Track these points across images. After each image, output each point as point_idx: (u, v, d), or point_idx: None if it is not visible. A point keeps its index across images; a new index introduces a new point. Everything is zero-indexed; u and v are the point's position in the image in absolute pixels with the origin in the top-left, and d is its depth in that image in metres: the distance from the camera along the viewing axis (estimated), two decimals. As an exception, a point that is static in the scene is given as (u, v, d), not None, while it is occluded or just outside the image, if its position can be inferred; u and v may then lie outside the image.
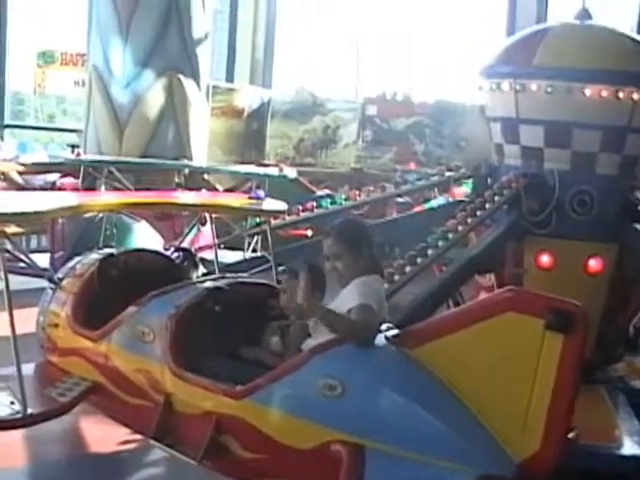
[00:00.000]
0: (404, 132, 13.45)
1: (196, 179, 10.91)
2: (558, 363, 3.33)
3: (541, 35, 6.53)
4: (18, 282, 6.60)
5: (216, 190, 11.19)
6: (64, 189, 7.69)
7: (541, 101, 6.32)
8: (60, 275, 4.95)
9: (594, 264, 6.40)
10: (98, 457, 5.20)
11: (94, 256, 5.04)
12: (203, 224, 8.17)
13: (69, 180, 8.46)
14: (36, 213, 4.28)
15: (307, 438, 3.66)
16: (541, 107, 6.36)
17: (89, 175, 9.26)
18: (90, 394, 4.52)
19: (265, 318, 4.37)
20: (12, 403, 4.24)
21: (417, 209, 8.50)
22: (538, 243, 6.46)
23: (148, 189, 8.96)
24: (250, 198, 5.47)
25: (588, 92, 6.17)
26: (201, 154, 11.56)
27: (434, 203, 8.24)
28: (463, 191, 8.52)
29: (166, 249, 7.46)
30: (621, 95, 6.17)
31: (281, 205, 5.61)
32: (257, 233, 7.02)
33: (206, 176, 11.34)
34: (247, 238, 7.85)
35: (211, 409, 3.96)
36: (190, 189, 9.40)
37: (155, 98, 11.05)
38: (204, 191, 6.92)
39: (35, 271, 5.19)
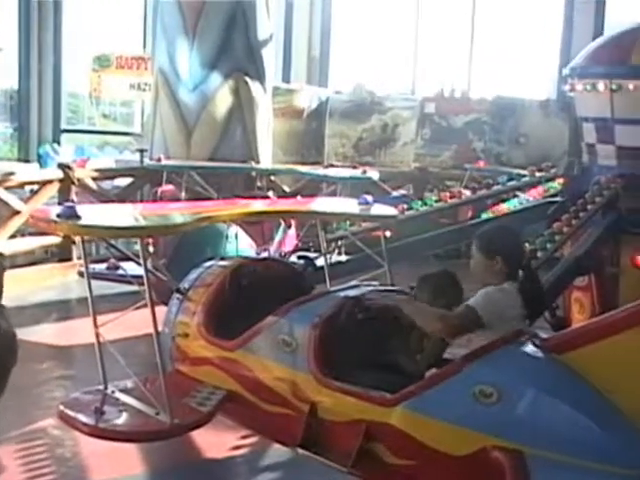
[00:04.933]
0: (463, 129, 13.40)
1: (264, 181, 10.99)
2: None
3: (636, 34, 6.55)
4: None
5: (284, 192, 11.29)
6: (164, 198, 7.78)
7: (638, 100, 6.35)
8: (186, 285, 5.01)
9: (690, 263, 6.43)
10: (209, 464, 5.27)
11: (220, 265, 5.11)
12: (289, 227, 8.28)
13: (169, 188, 8.55)
14: (172, 226, 4.36)
15: (463, 444, 3.70)
16: (638, 106, 6.39)
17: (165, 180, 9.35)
18: (226, 403, 4.56)
19: (402, 326, 4.41)
20: (157, 414, 4.30)
21: (495, 209, 8.45)
22: (635, 243, 6.49)
23: (227, 191, 9.10)
24: (359, 204, 5.50)
25: (685, 91, 6.20)
26: (267, 156, 11.62)
27: (514, 203, 8.21)
28: (540, 191, 8.50)
29: (258, 253, 7.60)
30: None
31: (391, 210, 5.66)
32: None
33: (273, 178, 11.43)
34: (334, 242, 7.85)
35: (361, 417, 3.99)
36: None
37: (222, 100, 11.09)
38: (299, 197, 7.00)
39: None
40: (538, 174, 7.54)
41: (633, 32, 6.67)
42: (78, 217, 4.11)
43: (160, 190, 8.32)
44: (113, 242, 5.16)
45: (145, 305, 4.27)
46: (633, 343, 3.52)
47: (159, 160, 9.84)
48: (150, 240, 6.19)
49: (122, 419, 4.34)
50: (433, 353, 4.22)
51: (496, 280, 4.03)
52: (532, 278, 4.17)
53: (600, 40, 7.08)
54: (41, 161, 14.88)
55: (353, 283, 4.87)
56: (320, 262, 5.58)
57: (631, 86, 6.34)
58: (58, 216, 4.17)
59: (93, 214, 4.37)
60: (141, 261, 4.24)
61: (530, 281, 4.12)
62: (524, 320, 4.11)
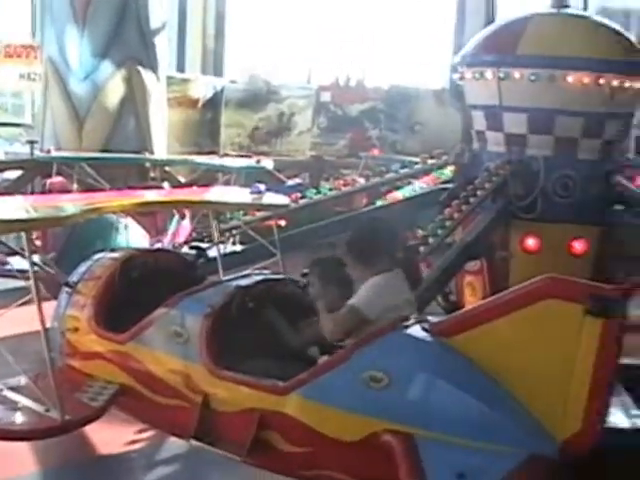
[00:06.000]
0: (358, 118, 13.54)
1: (159, 172, 10.83)
2: (597, 347, 3.44)
3: (523, 24, 6.70)
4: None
5: (179, 183, 11.15)
6: (53, 190, 7.58)
7: (524, 89, 6.51)
8: (75, 278, 4.91)
9: (578, 246, 6.62)
10: (105, 459, 5.18)
11: (109, 258, 5.02)
12: (183, 218, 8.19)
13: (58, 180, 8.31)
14: (62, 218, 4.25)
15: (354, 430, 3.73)
16: (524, 95, 6.55)
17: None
18: (119, 397, 4.49)
19: (294, 313, 4.42)
20: (47, 410, 4.20)
21: (389, 196, 8.54)
22: (524, 227, 6.65)
23: (120, 182, 8.94)
24: (252, 193, 5.48)
25: (570, 79, 6.38)
26: (162, 146, 11.48)
27: (408, 190, 8.30)
28: (433, 178, 8.62)
29: (151, 244, 7.50)
30: (602, 82, 6.39)
31: (283, 199, 5.66)
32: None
33: (167, 168, 11.27)
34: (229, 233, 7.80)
35: (254, 406, 3.99)
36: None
37: (115, 90, 10.94)
38: (195, 187, 6.92)
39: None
40: (430, 161, 7.65)
41: (520, 22, 6.80)
42: None
43: (49, 182, 8.12)
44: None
45: (32, 300, 4.15)
46: (516, 325, 3.59)
47: (49, 152, 9.61)
48: (37, 234, 6.02)
49: (11, 418, 4.24)
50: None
51: (380, 271, 4.08)
52: (408, 254, 4.24)
53: (488, 29, 7.20)
54: None
55: (244, 273, 4.85)
56: (213, 252, 5.53)
57: (517, 75, 6.47)
58: None
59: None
60: (26, 254, 4.13)
61: (408, 261, 4.19)
62: (413, 305, 4.16)
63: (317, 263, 4.38)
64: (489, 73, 6.60)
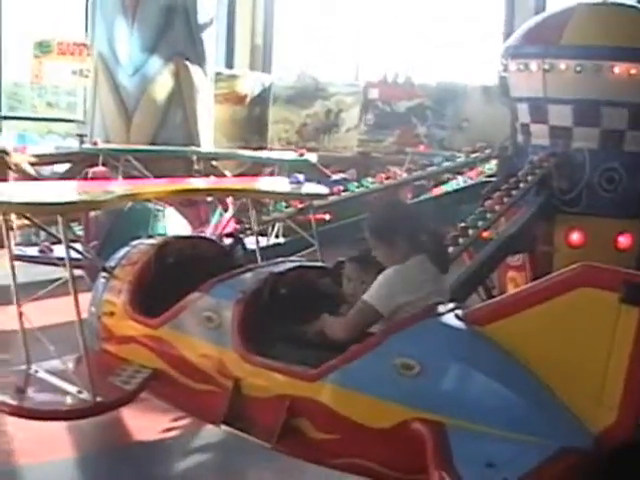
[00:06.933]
0: (406, 115, 13.46)
1: (205, 166, 10.89)
2: (634, 336, 3.37)
3: (568, 14, 6.61)
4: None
5: (224, 177, 11.20)
6: (95, 179, 7.66)
7: (570, 80, 6.42)
8: (112, 264, 4.94)
9: (624, 240, 6.53)
10: (141, 446, 5.17)
11: (147, 244, 5.04)
12: (226, 210, 8.22)
13: (100, 169, 8.43)
14: (98, 202, 4.28)
15: (384, 417, 3.69)
16: (570, 86, 6.46)
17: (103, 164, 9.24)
18: (151, 381, 4.51)
19: (327, 302, 4.40)
20: (79, 392, 4.24)
21: (435, 191, 8.50)
22: (568, 221, 6.57)
23: (167, 177, 8.98)
24: (290, 183, 5.47)
25: (617, 70, 6.26)
26: (208, 141, 11.54)
27: (453, 185, 8.26)
28: (478, 172, 8.57)
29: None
30: (649, 72, 6.27)
31: (322, 189, 5.64)
32: (298, 215, 6.99)
33: (214, 163, 11.33)
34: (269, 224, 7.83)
35: (284, 392, 3.96)
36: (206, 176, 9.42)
37: (163, 84, 11.02)
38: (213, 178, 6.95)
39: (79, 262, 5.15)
40: (473, 155, 7.58)
41: (566, 12, 6.72)
42: None
43: (91, 171, 8.21)
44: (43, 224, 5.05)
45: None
46: (550, 314, 3.52)
47: (95, 144, 9.72)
48: (80, 223, 6.08)
49: (43, 398, 4.29)
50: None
51: (404, 257, 4.00)
52: (435, 237, 4.15)
53: (533, 20, 7.12)
54: (-21, 149, 14.60)
55: (278, 260, 4.84)
56: (252, 243, 5.53)
57: (563, 66, 6.39)
58: None
59: (13, 190, 4.29)
60: (61, 237, 4.17)
61: (435, 242, 4.10)
62: (443, 292, 4.08)
63: (354, 257, 4.36)
64: (533, 65, 6.53)
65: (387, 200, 6.16)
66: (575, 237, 6.52)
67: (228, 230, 7.62)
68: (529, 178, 6.35)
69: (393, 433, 3.67)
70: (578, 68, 6.30)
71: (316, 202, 6.85)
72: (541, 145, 6.74)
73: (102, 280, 4.92)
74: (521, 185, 6.29)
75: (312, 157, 9.49)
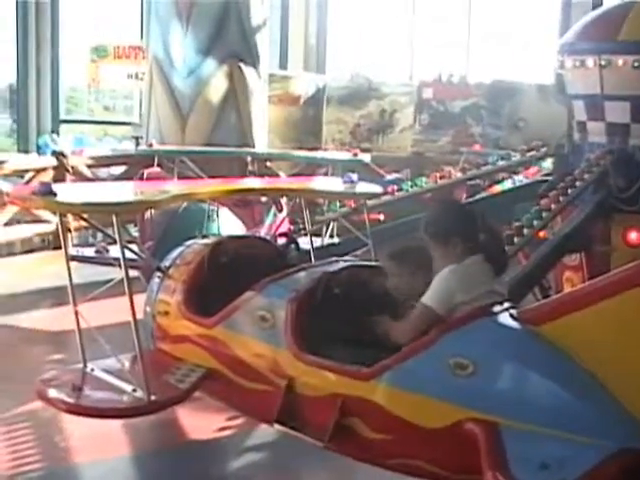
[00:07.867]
0: (461, 114, 13.35)
1: (259, 167, 10.95)
2: (693, 336, 3.31)
3: (626, 9, 6.49)
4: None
5: (278, 177, 11.24)
6: (152, 179, 7.76)
7: (627, 76, 6.30)
8: (167, 263, 4.98)
9: (683, 240, 6.37)
10: (195, 445, 5.22)
11: (201, 243, 5.08)
12: (280, 211, 8.24)
13: (155, 170, 8.54)
14: (151, 202, 4.31)
15: (438, 417, 3.66)
16: (627, 82, 6.34)
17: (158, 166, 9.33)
18: (205, 380, 4.54)
19: (380, 301, 4.38)
20: (134, 390, 4.29)
21: (491, 190, 8.41)
22: (626, 220, 6.44)
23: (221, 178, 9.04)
24: (344, 182, 5.46)
25: (676, 65, 6.14)
26: (262, 142, 11.59)
27: (509, 184, 8.16)
28: (535, 171, 8.46)
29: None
30: None
31: (376, 188, 5.62)
32: (351, 215, 6.96)
33: (268, 163, 11.38)
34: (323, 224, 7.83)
35: (337, 391, 3.96)
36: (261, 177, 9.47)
37: (217, 86, 11.09)
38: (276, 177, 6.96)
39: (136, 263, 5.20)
40: (528, 154, 7.49)
41: (622, 7, 6.61)
42: (54, 194, 4.12)
43: (146, 172, 8.30)
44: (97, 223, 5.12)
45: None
46: (607, 314, 3.47)
47: (151, 145, 9.83)
48: (136, 224, 6.15)
49: (99, 396, 4.34)
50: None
51: (459, 257, 3.97)
52: (493, 237, 4.11)
53: (589, 16, 7.01)
54: (40, 152, 14.85)
55: (331, 260, 4.83)
56: (306, 242, 5.54)
57: (620, 62, 6.28)
58: (34, 193, 4.20)
59: (70, 191, 4.36)
60: (116, 237, 4.22)
61: (492, 242, 4.06)
62: (500, 293, 4.03)
63: (390, 254, 4.34)
64: (590, 61, 6.42)
65: (443, 200, 6.10)
66: (633, 236, 6.39)
67: (282, 230, 7.64)
68: (586, 176, 6.25)
69: (446, 433, 3.64)
70: (636, 64, 6.18)
71: (370, 202, 6.82)
72: (598, 143, 6.63)
73: (157, 280, 4.97)
74: (577, 183, 6.19)
75: (366, 157, 9.47)
